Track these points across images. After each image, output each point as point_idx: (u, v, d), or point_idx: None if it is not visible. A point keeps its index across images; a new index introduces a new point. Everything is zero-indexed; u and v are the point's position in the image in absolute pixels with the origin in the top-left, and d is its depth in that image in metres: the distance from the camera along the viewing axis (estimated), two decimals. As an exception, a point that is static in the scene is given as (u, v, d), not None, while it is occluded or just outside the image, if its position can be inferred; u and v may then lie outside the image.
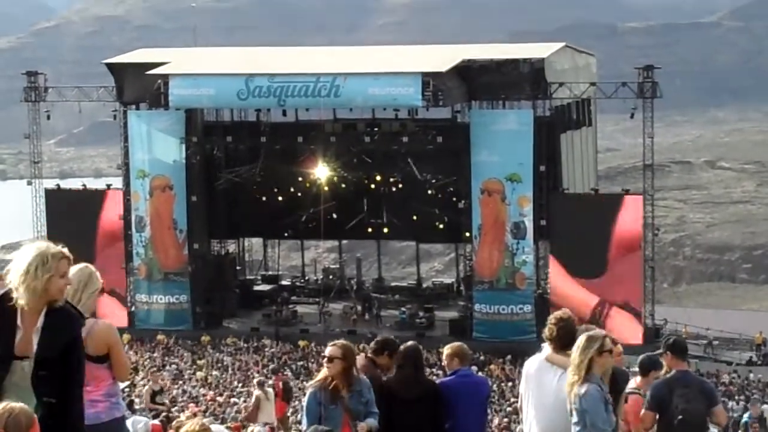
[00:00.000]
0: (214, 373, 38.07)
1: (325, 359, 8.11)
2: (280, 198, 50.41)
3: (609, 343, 7.13)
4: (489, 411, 29.54)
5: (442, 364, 9.21)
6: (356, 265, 57.27)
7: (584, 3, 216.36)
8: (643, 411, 8.25)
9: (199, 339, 44.58)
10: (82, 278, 6.35)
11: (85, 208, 47.86)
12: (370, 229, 51.61)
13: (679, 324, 46.34)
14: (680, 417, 7.92)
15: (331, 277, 53.58)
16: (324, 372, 8.12)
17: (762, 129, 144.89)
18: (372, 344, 8.95)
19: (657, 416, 8.20)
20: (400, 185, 48.35)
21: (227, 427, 16.42)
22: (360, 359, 8.48)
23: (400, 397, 8.39)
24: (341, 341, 8.35)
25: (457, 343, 9.13)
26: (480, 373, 35.78)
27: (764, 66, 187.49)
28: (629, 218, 43.42)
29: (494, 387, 35.75)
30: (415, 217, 48.91)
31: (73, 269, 6.34)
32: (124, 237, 47.40)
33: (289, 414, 20.66)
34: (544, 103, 44.09)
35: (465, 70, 43.87)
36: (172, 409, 22.04)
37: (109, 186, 50.20)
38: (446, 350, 8.96)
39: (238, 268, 52.17)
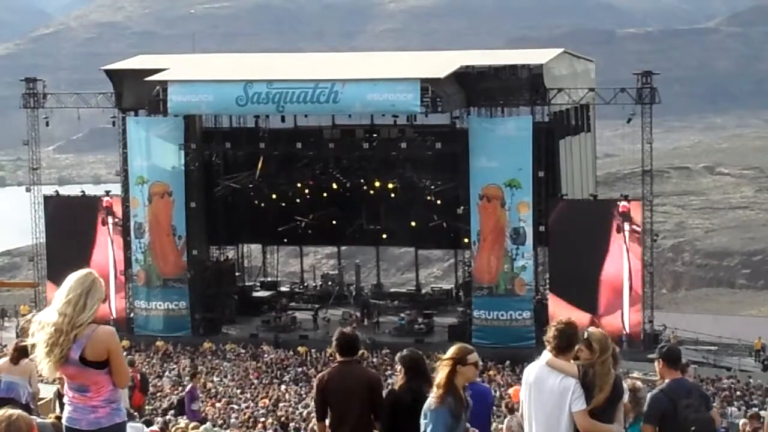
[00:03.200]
0: (214, 379, 38.03)
1: (473, 364, 7.63)
2: (278, 204, 50.41)
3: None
4: (491, 418, 29.56)
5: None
6: (355, 271, 57.22)
7: (583, 9, 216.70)
8: (642, 425, 8.15)
9: (197, 345, 44.51)
10: (85, 284, 6.29)
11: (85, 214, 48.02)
12: (369, 236, 51.56)
13: (673, 329, 46.22)
14: (694, 429, 7.85)
15: (330, 283, 53.54)
16: (443, 378, 7.55)
17: (761, 134, 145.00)
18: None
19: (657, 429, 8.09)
20: (399, 191, 48.32)
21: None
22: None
23: (405, 405, 8.23)
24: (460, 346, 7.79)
25: None
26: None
27: (762, 72, 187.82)
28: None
29: (494, 393, 35.73)
30: (413, 223, 48.89)
31: (76, 275, 6.33)
32: (124, 243, 47.37)
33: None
34: (543, 109, 44.06)
35: (463, 76, 43.87)
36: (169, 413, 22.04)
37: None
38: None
39: (237, 274, 52.11)
